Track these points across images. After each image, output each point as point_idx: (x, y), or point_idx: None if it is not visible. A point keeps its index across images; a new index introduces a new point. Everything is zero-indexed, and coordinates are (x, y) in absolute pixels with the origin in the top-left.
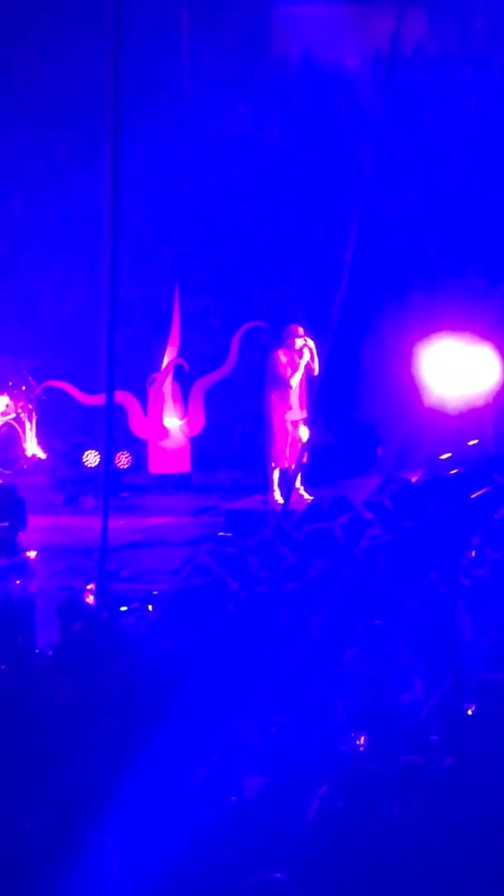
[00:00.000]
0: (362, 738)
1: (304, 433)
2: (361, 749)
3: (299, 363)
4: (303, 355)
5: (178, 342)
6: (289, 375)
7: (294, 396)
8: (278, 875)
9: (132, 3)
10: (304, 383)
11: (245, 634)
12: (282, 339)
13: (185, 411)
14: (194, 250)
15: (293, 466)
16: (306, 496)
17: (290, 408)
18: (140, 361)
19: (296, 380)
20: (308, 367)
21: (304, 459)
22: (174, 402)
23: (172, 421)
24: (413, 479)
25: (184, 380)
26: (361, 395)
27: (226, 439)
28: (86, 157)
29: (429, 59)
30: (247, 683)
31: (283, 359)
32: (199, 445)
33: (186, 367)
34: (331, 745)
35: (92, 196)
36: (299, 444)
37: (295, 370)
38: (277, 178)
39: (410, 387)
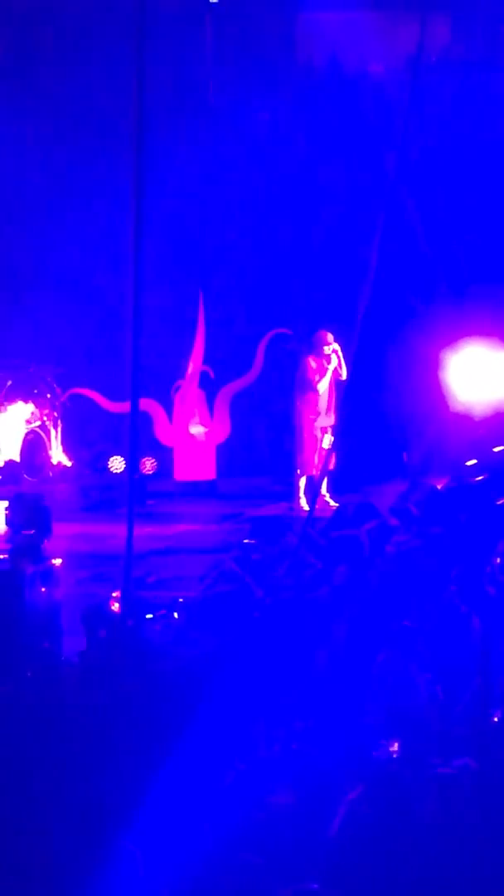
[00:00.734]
0: (395, 745)
1: (328, 440)
2: (394, 756)
3: (327, 369)
4: (331, 361)
5: (203, 349)
6: (317, 381)
7: (322, 403)
8: (314, 885)
9: (156, 9)
10: (331, 390)
11: (271, 641)
12: (311, 345)
13: (210, 418)
14: (219, 257)
15: (320, 473)
16: (332, 503)
17: (318, 414)
18: (165, 368)
19: (323, 386)
20: (335, 374)
21: (331, 466)
22: (199, 409)
23: (198, 428)
24: (439, 486)
25: (209, 387)
26: (387, 400)
27: (251, 446)
28: (111, 163)
29: (454, 65)
30: (273, 690)
31: (313, 365)
32: (225, 452)
33: (212, 374)
34: (362, 751)
35: (116, 202)
36: (325, 451)
37: (323, 376)
38: (302, 184)
39: (436, 392)
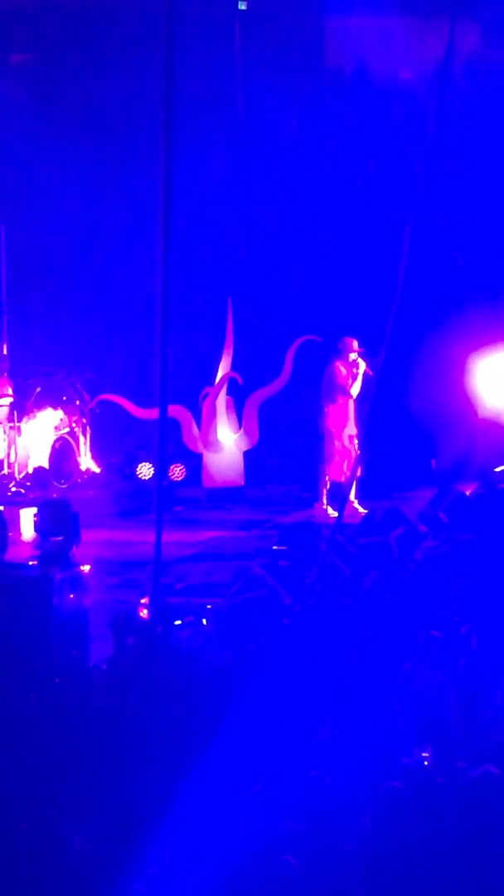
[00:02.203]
0: (426, 752)
1: (356, 448)
2: (426, 763)
3: (357, 374)
4: (359, 367)
5: (231, 356)
6: (348, 387)
7: (351, 409)
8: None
9: (185, 16)
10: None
11: (300, 648)
12: (338, 351)
13: (239, 425)
14: (248, 263)
15: (353, 479)
16: (360, 510)
17: (347, 421)
18: (194, 375)
19: (356, 390)
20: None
21: (359, 473)
22: (228, 415)
23: (226, 435)
24: (468, 492)
25: (238, 393)
26: (416, 406)
27: (280, 453)
28: (139, 171)
29: (483, 71)
30: (302, 697)
31: (343, 371)
32: (253, 459)
33: (240, 380)
34: (392, 758)
35: (145, 209)
36: (354, 458)
37: (354, 381)
38: (331, 191)
39: (465, 399)
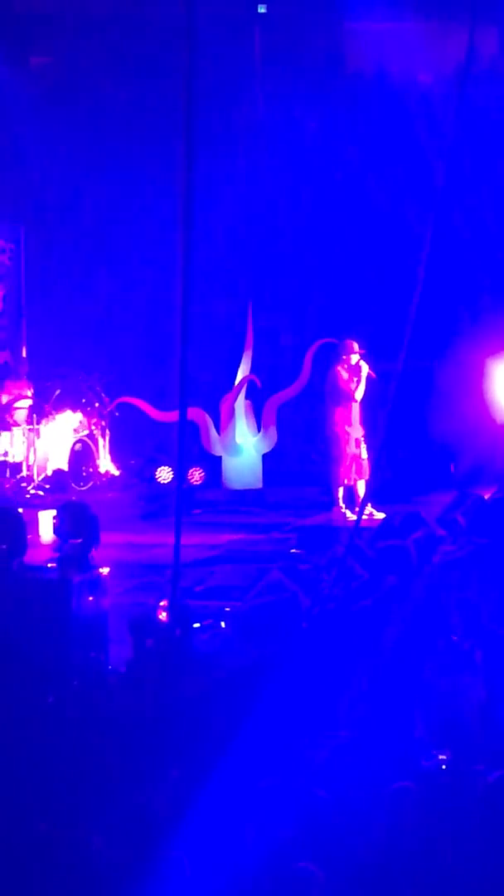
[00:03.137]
0: (444, 756)
1: (364, 450)
2: (444, 766)
3: (361, 378)
4: (361, 369)
5: (251, 358)
6: (352, 390)
7: (356, 412)
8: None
9: (205, 19)
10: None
11: (318, 651)
12: (338, 354)
13: (258, 427)
14: (268, 267)
15: (361, 483)
16: (376, 514)
17: (352, 424)
18: (213, 378)
19: (359, 394)
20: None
21: (367, 475)
22: (247, 418)
23: (245, 437)
24: (486, 496)
25: (257, 396)
26: (434, 411)
27: (298, 456)
28: (159, 175)
29: (502, 74)
30: (320, 699)
31: (345, 374)
32: (272, 462)
33: (259, 383)
34: (411, 761)
35: (165, 213)
36: (363, 461)
37: (358, 384)
38: (351, 195)
39: (483, 403)
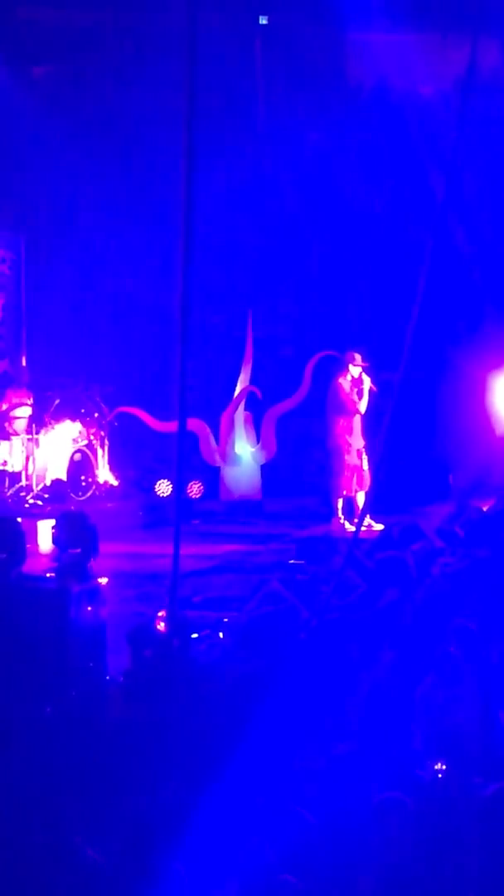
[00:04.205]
0: (440, 765)
1: (366, 461)
2: (440, 776)
3: (363, 390)
4: (363, 381)
5: (251, 370)
6: (355, 402)
7: (358, 423)
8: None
9: (207, 30)
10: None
11: (316, 662)
12: (341, 366)
13: (257, 438)
14: (268, 278)
15: (361, 494)
16: (375, 525)
17: (353, 435)
18: (213, 388)
19: (362, 406)
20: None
21: (367, 486)
22: (246, 429)
23: (244, 448)
24: (485, 508)
25: (256, 407)
26: (434, 423)
27: (297, 467)
28: (160, 184)
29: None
30: (318, 711)
31: (347, 386)
32: (271, 473)
33: (259, 394)
34: (407, 771)
35: (165, 223)
36: (364, 473)
37: (360, 397)
38: (351, 207)
39: (483, 416)
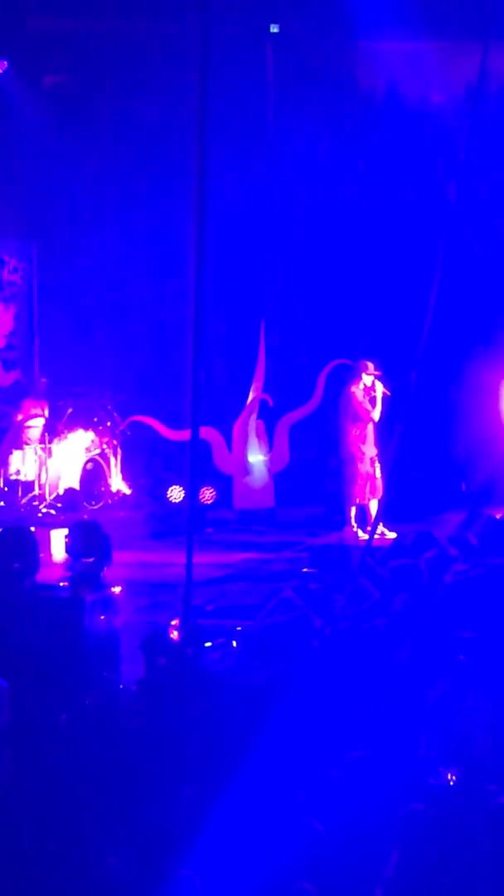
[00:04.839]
0: (451, 774)
1: (378, 470)
2: (451, 784)
3: (376, 398)
4: (376, 389)
5: (263, 378)
6: (368, 410)
7: (371, 432)
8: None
9: (218, 38)
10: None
11: (330, 670)
12: (354, 374)
13: (269, 447)
14: (281, 286)
15: (374, 502)
16: (388, 534)
17: (366, 443)
18: (225, 397)
19: (376, 414)
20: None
21: (380, 494)
22: (259, 437)
23: (257, 457)
24: (498, 516)
25: (269, 416)
26: (446, 431)
27: (310, 475)
28: (172, 193)
29: None
30: (331, 719)
31: (359, 395)
32: (284, 481)
33: (271, 402)
34: (419, 779)
35: (178, 231)
36: (377, 481)
37: (374, 405)
38: (364, 214)
39: (495, 423)
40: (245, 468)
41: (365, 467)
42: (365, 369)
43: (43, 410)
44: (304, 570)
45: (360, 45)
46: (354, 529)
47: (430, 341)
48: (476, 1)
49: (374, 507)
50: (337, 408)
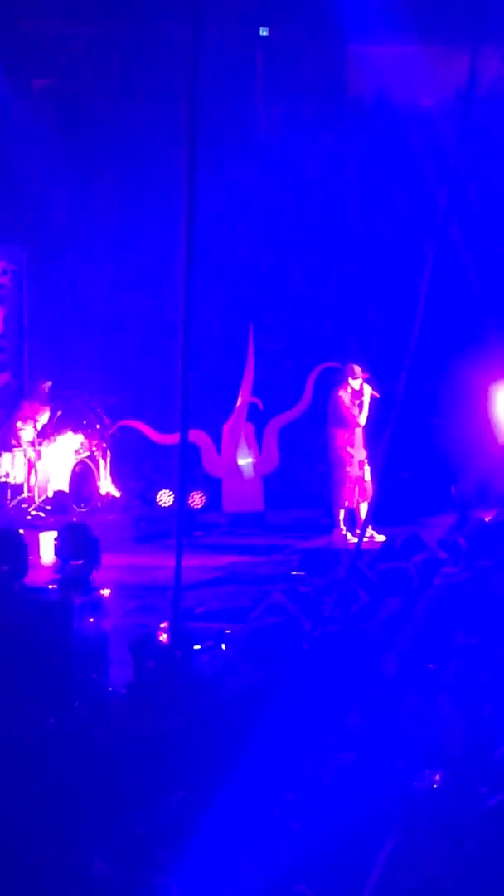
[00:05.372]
0: (437, 776)
1: (368, 473)
2: (436, 786)
3: (363, 402)
4: (364, 393)
5: (252, 381)
6: (355, 414)
7: (359, 435)
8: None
9: (208, 42)
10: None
11: (319, 673)
12: (342, 378)
13: (258, 450)
14: (269, 290)
15: (363, 505)
16: (377, 537)
17: (355, 446)
18: (214, 400)
19: (363, 418)
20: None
21: (370, 497)
22: (248, 441)
23: (246, 460)
24: (487, 519)
25: (258, 419)
26: (436, 433)
27: (299, 478)
28: (161, 197)
29: None
30: (320, 722)
31: (347, 398)
32: (273, 484)
33: (261, 405)
34: (405, 782)
35: (167, 235)
36: (366, 484)
37: (361, 409)
38: (353, 218)
39: (485, 426)
40: (234, 471)
41: (353, 471)
42: (352, 373)
43: (42, 414)
44: (294, 573)
45: (350, 49)
46: (343, 532)
47: (420, 344)
48: (465, 5)
49: (363, 509)
50: (325, 411)
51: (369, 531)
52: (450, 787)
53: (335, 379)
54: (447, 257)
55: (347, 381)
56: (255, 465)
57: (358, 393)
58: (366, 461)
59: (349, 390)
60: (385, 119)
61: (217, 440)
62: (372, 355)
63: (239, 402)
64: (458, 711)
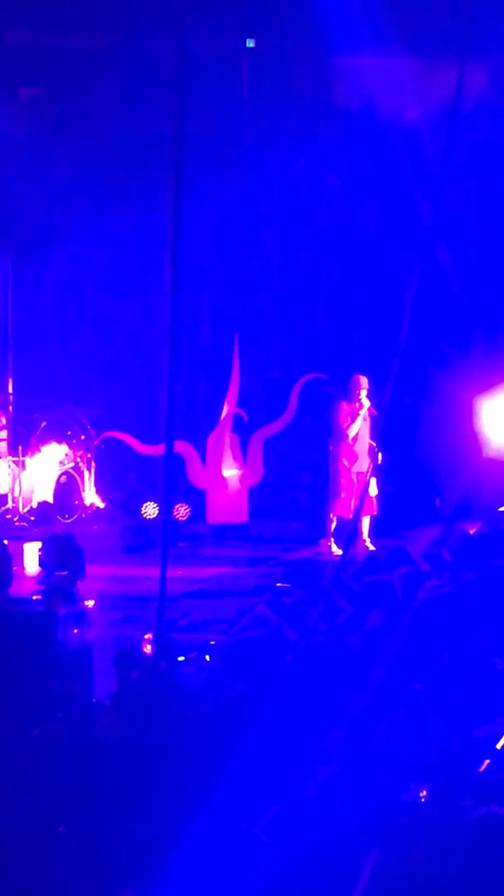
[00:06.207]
0: (424, 791)
1: (373, 486)
2: (423, 800)
3: (359, 413)
4: (363, 405)
5: (237, 392)
6: (349, 425)
7: (359, 447)
8: None
9: (194, 53)
10: (367, 433)
11: (303, 684)
12: (346, 390)
13: (243, 462)
14: (254, 300)
15: (358, 517)
16: (371, 547)
17: (355, 459)
18: (199, 411)
19: (354, 430)
20: (369, 417)
21: (374, 511)
22: (233, 452)
23: (231, 471)
24: (472, 531)
25: (243, 430)
26: (421, 446)
27: (284, 490)
28: (147, 206)
29: (490, 112)
30: (305, 734)
31: (346, 410)
32: (257, 496)
33: (245, 417)
34: (390, 796)
35: (153, 245)
36: (366, 496)
37: (354, 420)
38: (339, 229)
39: (470, 438)
40: (219, 482)
41: (350, 483)
42: (358, 385)
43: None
44: (278, 584)
45: (336, 61)
46: (330, 544)
47: (405, 355)
48: (452, 18)
49: (365, 523)
50: (313, 422)
51: (368, 543)
52: (434, 799)
53: (323, 390)
54: (432, 269)
55: (357, 394)
56: (239, 477)
57: (358, 403)
58: (370, 473)
59: (349, 403)
60: (371, 131)
61: (202, 451)
62: (357, 368)
63: (224, 413)
64: (442, 724)
